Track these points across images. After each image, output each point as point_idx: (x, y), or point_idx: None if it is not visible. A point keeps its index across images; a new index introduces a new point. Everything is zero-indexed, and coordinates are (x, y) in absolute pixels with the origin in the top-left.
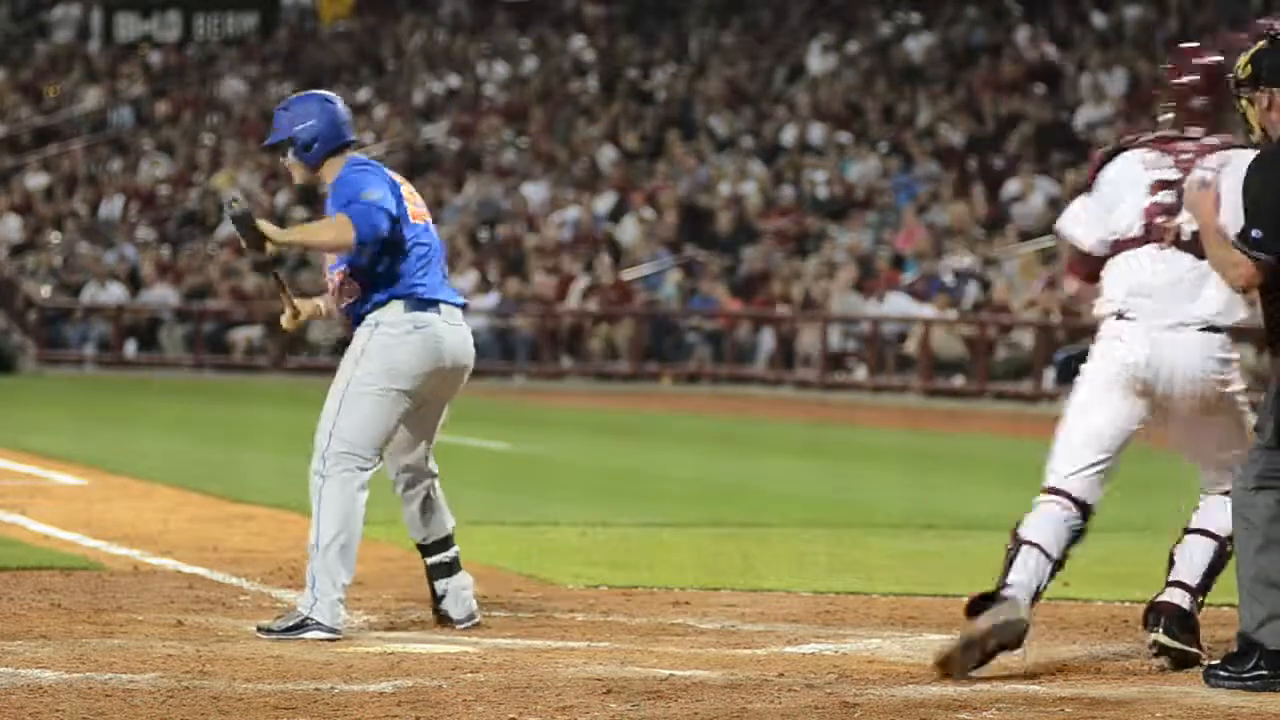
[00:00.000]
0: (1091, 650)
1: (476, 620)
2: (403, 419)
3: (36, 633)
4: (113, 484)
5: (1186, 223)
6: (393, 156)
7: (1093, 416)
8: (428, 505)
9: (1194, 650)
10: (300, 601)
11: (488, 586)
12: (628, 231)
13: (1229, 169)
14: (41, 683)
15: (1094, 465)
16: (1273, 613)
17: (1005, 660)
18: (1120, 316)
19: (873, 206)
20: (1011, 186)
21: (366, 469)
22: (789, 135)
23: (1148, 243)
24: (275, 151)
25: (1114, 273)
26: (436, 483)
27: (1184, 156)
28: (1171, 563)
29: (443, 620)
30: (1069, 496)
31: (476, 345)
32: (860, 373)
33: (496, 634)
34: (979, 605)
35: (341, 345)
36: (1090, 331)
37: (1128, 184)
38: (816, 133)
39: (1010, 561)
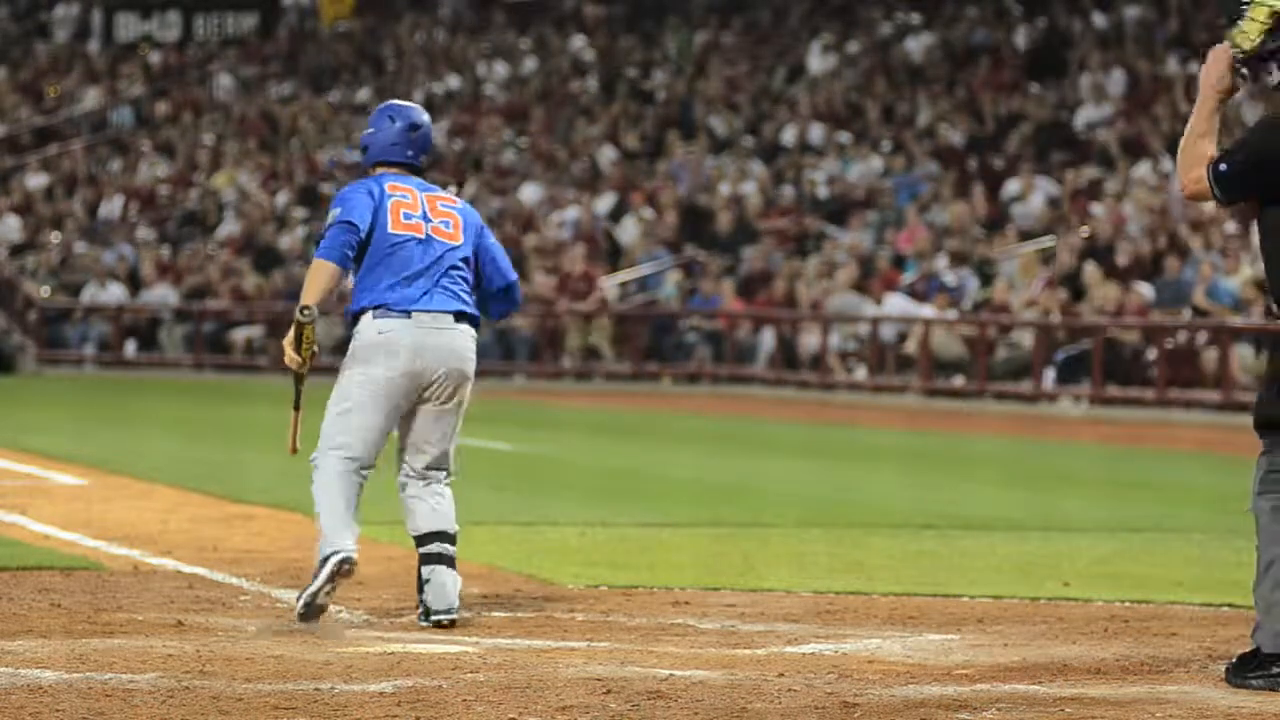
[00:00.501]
0: (1091, 650)
1: (453, 616)
2: (390, 419)
3: (36, 633)
4: (113, 484)
5: None
6: None
7: None
8: (429, 505)
9: None
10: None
11: (488, 586)
12: (628, 231)
13: None
14: (41, 683)
15: None
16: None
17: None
18: None
19: (873, 206)
20: (1011, 186)
21: (354, 461)
22: (789, 135)
23: None
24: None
25: None
26: (445, 488)
27: None
28: None
29: (423, 614)
30: None
31: (476, 345)
32: (860, 373)
33: (496, 634)
34: None
35: (341, 345)
36: (1089, 331)
37: None
38: (816, 133)
39: None
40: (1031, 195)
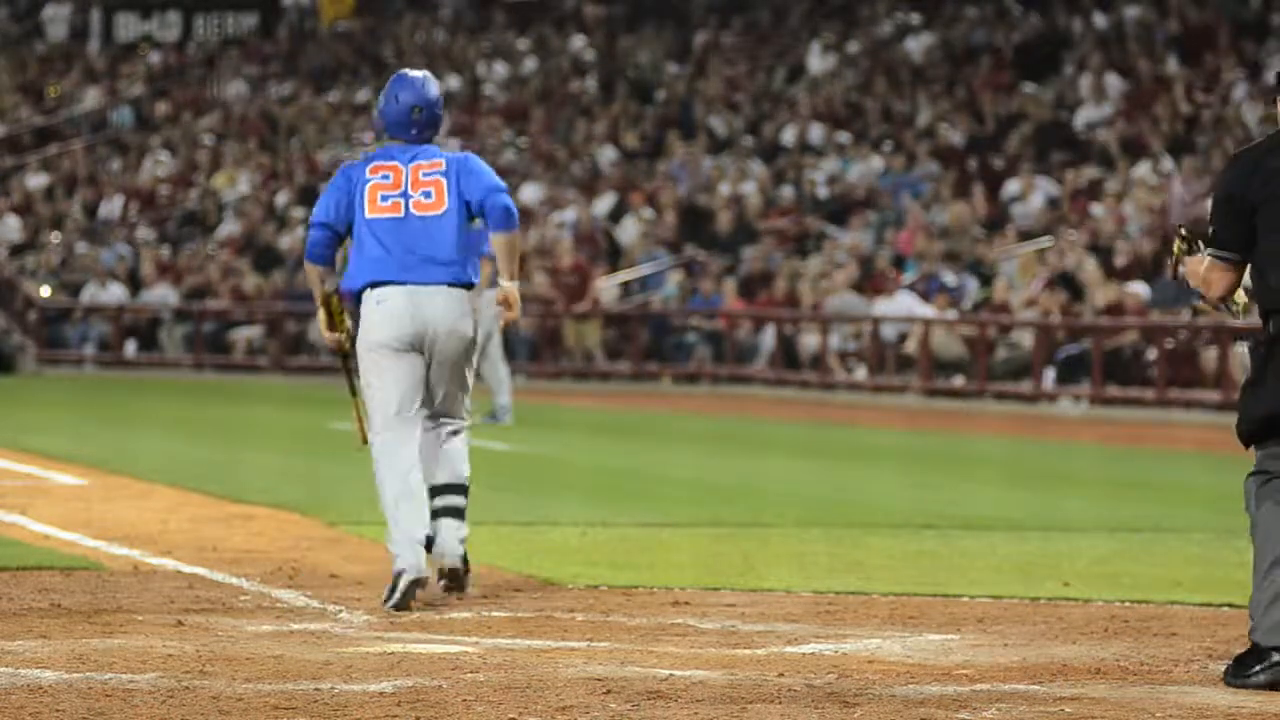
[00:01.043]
0: (1091, 650)
1: (455, 565)
2: (410, 368)
3: (36, 633)
4: (113, 484)
5: None
6: None
7: None
8: (438, 451)
9: None
10: None
11: (488, 586)
12: (628, 231)
13: None
14: (41, 683)
15: None
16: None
17: (1006, 659)
18: None
19: (873, 206)
20: (1011, 186)
21: (394, 433)
22: (789, 135)
23: None
24: None
25: None
26: (455, 437)
27: None
28: None
29: (431, 555)
30: None
31: (477, 345)
32: (860, 373)
33: (496, 634)
34: None
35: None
36: (1088, 331)
37: None
38: (816, 133)
39: None
40: (1031, 195)
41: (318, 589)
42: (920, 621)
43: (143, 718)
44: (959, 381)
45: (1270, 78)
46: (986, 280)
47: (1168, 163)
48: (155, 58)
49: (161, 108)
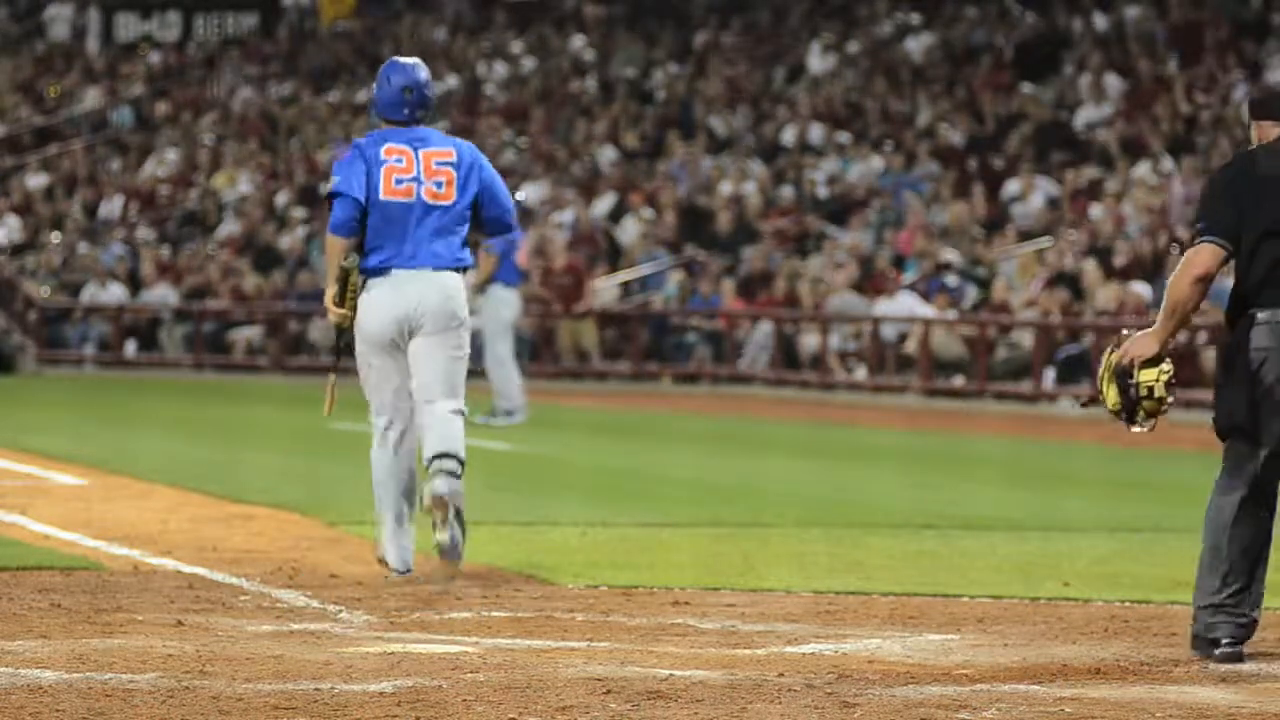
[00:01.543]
0: (1091, 650)
1: (451, 496)
2: (395, 363)
3: (36, 633)
4: (113, 484)
5: None
6: None
7: None
8: (437, 431)
9: None
10: None
11: (488, 586)
12: (628, 231)
13: None
14: (41, 683)
15: None
16: None
17: (1007, 660)
18: None
19: (873, 206)
20: (1011, 186)
21: (390, 424)
22: (789, 135)
23: None
24: None
25: None
26: (452, 415)
27: None
28: None
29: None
30: None
31: (477, 344)
32: (860, 373)
33: (496, 634)
34: None
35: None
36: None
37: None
38: (816, 133)
39: None
40: (1031, 195)
41: (318, 589)
42: (920, 621)
43: (143, 718)
44: (959, 381)
45: (1270, 78)
46: (984, 284)
47: (1168, 163)
48: (155, 58)
49: (161, 108)
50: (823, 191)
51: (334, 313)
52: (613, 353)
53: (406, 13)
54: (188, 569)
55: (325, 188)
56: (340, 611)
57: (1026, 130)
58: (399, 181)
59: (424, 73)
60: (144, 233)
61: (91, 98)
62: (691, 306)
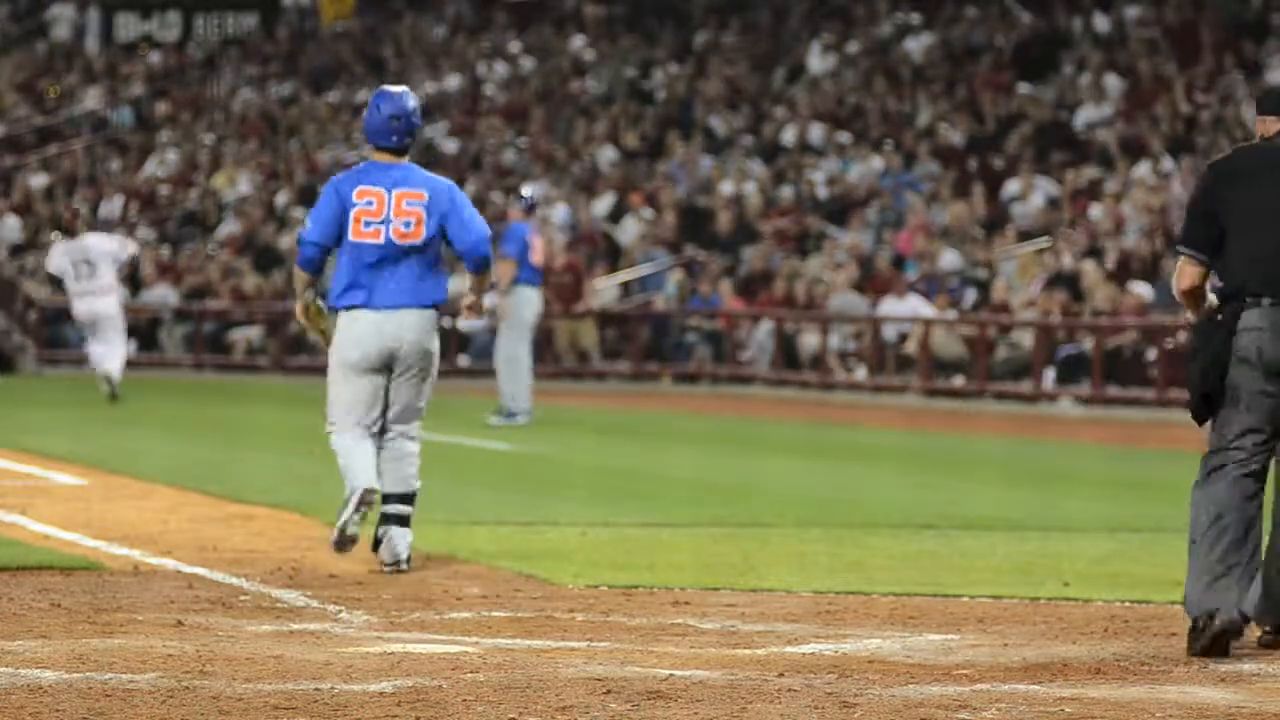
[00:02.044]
0: (1091, 650)
1: (400, 565)
2: (370, 385)
3: (36, 633)
4: (113, 484)
5: None
6: None
7: None
8: (393, 467)
9: None
10: None
11: (488, 586)
12: (628, 231)
13: None
14: (41, 683)
15: None
16: None
17: (1006, 658)
18: None
19: (873, 206)
20: (1011, 186)
21: (346, 431)
22: (789, 135)
23: None
24: None
25: None
26: (410, 443)
27: None
28: None
29: (378, 554)
30: None
31: (477, 345)
32: (860, 373)
33: (496, 634)
34: None
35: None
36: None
37: None
38: (816, 133)
39: None
40: (1031, 195)
41: (318, 589)
42: (920, 621)
43: (143, 718)
44: (959, 381)
45: (1271, 78)
46: (983, 286)
47: (1168, 163)
48: (155, 58)
49: (161, 108)
50: (823, 191)
51: (307, 324)
52: (613, 353)
53: (406, 13)
54: (188, 569)
55: (305, 224)
56: (340, 611)
57: (1026, 130)
58: (367, 224)
59: (412, 101)
60: (144, 233)
61: (91, 98)
62: (691, 306)
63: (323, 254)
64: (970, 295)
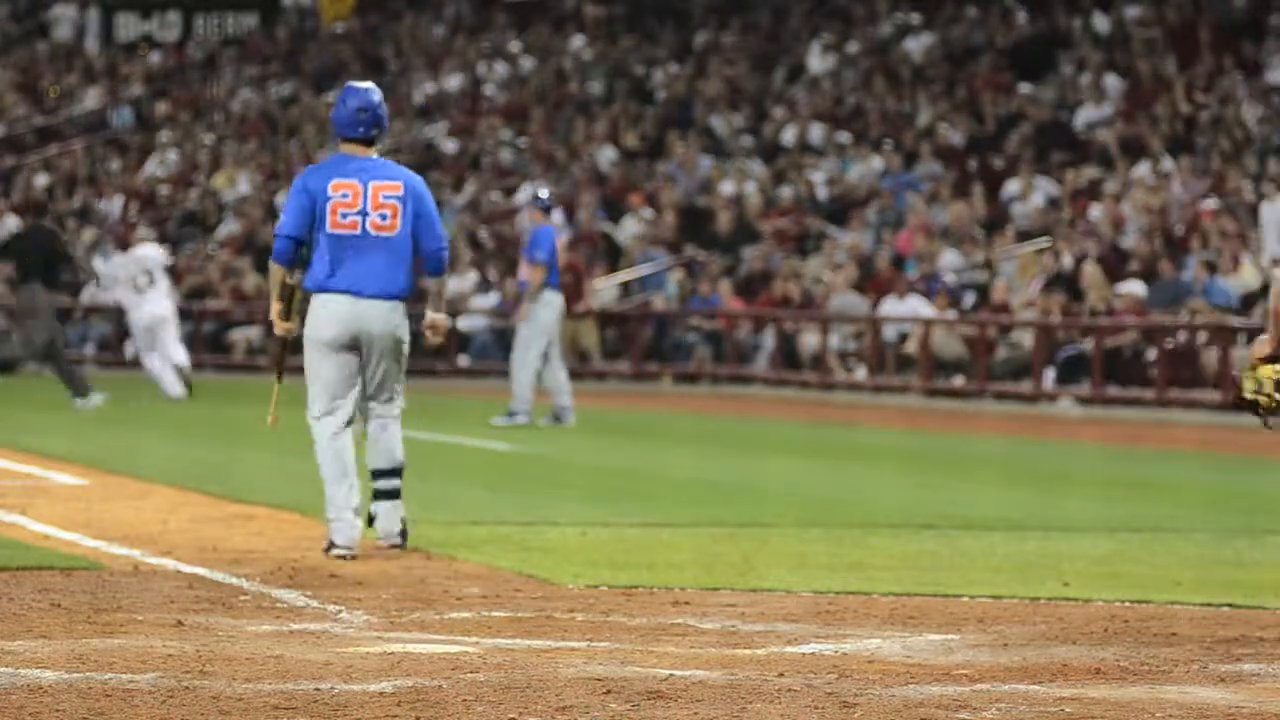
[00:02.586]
0: (1091, 650)
1: (395, 542)
2: (346, 367)
3: (36, 633)
4: (113, 484)
5: None
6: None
7: None
8: (379, 442)
9: None
10: None
11: (488, 586)
12: (627, 231)
13: None
14: (41, 683)
15: None
16: None
17: (1002, 660)
18: None
19: (872, 206)
20: (1011, 186)
21: (327, 419)
22: (789, 135)
23: None
24: None
25: None
26: (391, 421)
27: None
28: None
29: (375, 529)
30: None
31: (477, 344)
32: (860, 373)
33: (496, 634)
34: None
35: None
36: (1086, 331)
37: None
38: (816, 133)
39: None
40: (1031, 195)
41: (318, 589)
42: (920, 621)
43: (143, 718)
44: (959, 381)
45: (1270, 77)
46: (982, 289)
47: (1167, 163)
48: (155, 58)
49: (161, 108)
50: (823, 191)
51: (280, 326)
52: (613, 353)
53: (406, 13)
54: (188, 569)
55: (280, 219)
56: (340, 611)
57: (1026, 130)
58: (344, 215)
59: (377, 95)
60: (144, 233)
61: (91, 98)
62: (691, 306)
63: (296, 247)
64: (970, 295)
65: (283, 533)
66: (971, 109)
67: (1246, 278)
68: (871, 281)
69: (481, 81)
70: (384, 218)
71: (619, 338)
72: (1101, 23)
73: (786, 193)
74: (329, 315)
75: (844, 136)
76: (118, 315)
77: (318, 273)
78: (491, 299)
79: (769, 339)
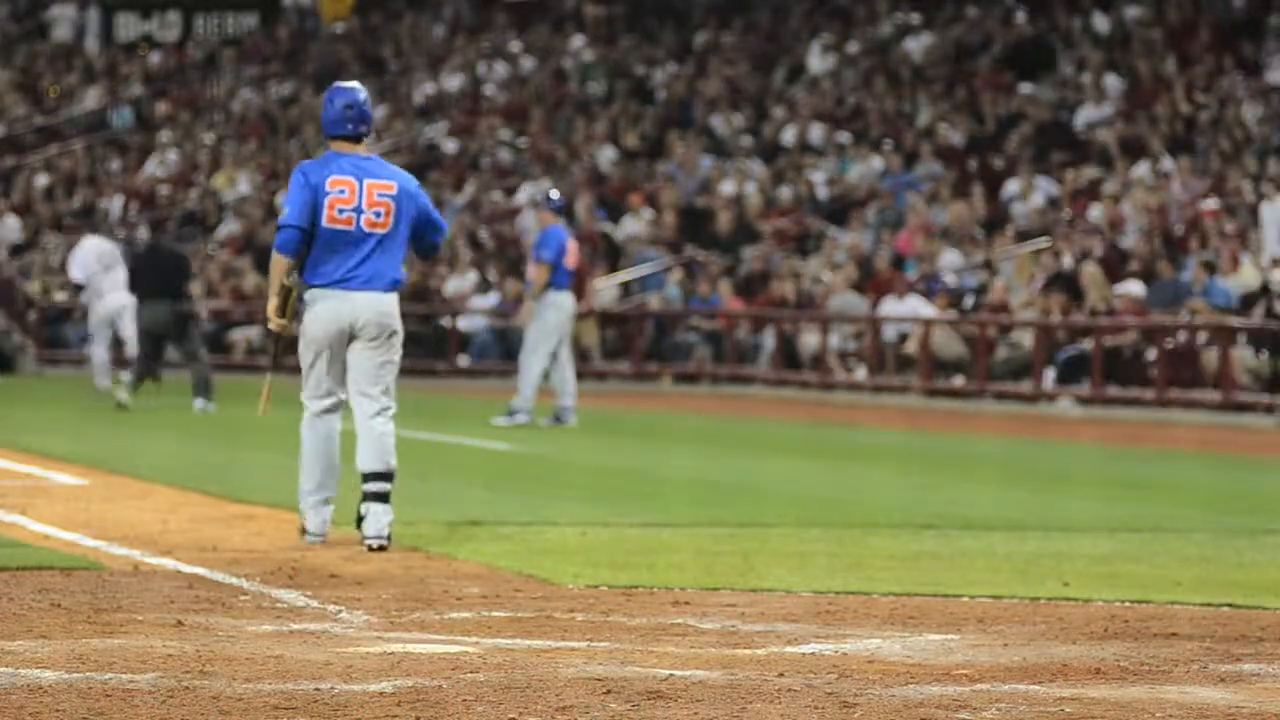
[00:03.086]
0: (1091, 650)
1: (383, 543)
2: (335, 361)
3: (36, 633)
4: (113, 484)
5: None
6: (392, 157)
7: None
8: (370, 443)
9: None
10: None
11: (488, 586)
12: (627, 231)
13: None
14: (41, 683)
15: None
16: None
17: (1006, 660)
18: None
19: (872, 206)
20: (1011, 186)
21: (319, 401)
22: (789, 135)
23: None
24: None
25: None
26: (385, 421)
27: None
28: None
29: (361, 531)
30: None
31: (477, 344)
32: (860, 373)
33: (496, 634)
34: None
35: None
36: (1086, 331)
37: None
38: (816, 133)
39: None
40: (1031, 195)
41: (318, 589)
42: (920, 621)
43: (143, 718)
44: (959, 381)
45: (1270, 78)
46: (982, 289)
47: (1167, 163)
48: (155, 58)
49: (161, 108)
50: (823, 191)
51: (275, 322)
52: (613, 353)
53: (406, 13)
54: (188, 569)
55: (282, 211)
56: (340, 611)
57: (1026, 130)
58: (341, 211)
59: (363, 93)
60: (144, 233)
61: (91, 98)
62: (691, 306)
63: (302, 237)
64: (970, 295)
65: (283, 533)
66: (971, 109)
67: (1246, 278)
68: (871, 281)
69: (481, 81)
70: (378, 215)
71: (619, 338)
72: (1101, 23)
73: (786, 193)
74: (324, 310)
75: (844, 136)
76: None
77: (311, 267)
78: (491, 299)
79: (769, 339)
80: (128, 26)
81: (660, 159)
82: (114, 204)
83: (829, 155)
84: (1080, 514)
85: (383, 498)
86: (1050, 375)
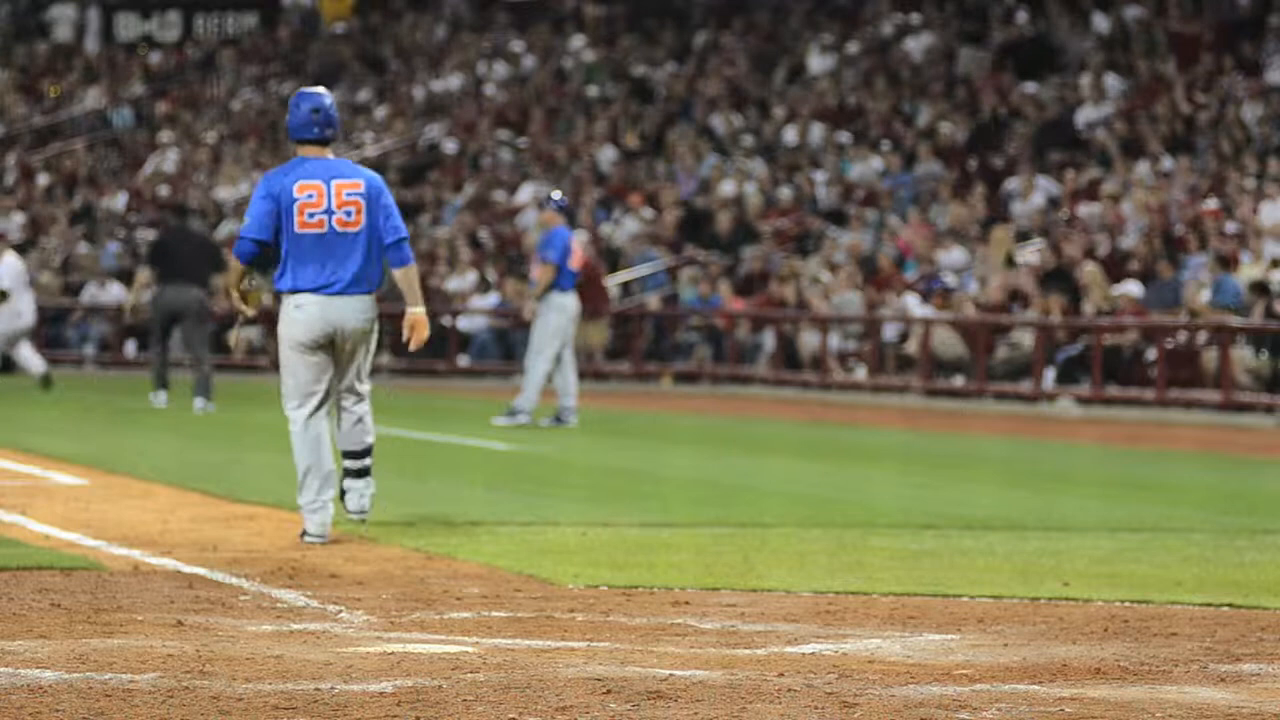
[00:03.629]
0: (1091, 650)
1: (364, 517)
2: (319, 364)
3: (36, 633)
4: (113, 484)
5: None
6: (393, 157)
7: None
8: (350, 423)
9: None
10: None
11: (488, 586)
12: (627, 231)
13: None
14: (41, 683)
15: None
16: None
17: (1003, 659)
18: None
19: (873, 206)
20: (1011, 185)
21: (302, 408)
22: (789, 135)
23: None
24: None
25: None
26: (359, 407)
27: None
28: None
29: (344, 504)
30: None
31: (477, 344)
32: (860, 373)
33: (496, 634)
34: None
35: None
36: (1085, 331)
37: None
38: (816, 133)
39: None
40: (1032, 194)
41: (318, 589)
42: (920, 621)
43: (143, 718)
44: (959, 381)
45: (1270, 78)
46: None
47: (1167, 162)
48: (155, 58)
49: (161, 108)
50: (822, 191)
51: (238, 306)
52: (613, 353)
53: (406, 13)
54: (188, 569)
55: (245, 220)
56: (340, 611)
57: (1026, 130)
58: (311, 215)
59: (328, 98)
60: (144, 233)
61: (91, 98)
62: (691, 306)
63: (259, 249)
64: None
65: (283, 533)
66: (971, 109)
67: (1246, 277)
68: (871, 281)
69: (481, 81)
70: (348, 215)
71: (619, 338)
72: (1101, 23)
73: (786, 193)
74: (303, 316)
75: (844, 136)
76: (117, 315)
77: (288, 273)
78: (491, 299)
79: (769, 339)
80: (128, 26)
81: (660, 159)
82: (114, 203)
83: (829, 155)
84: (1080, 514)
85: (363, 473)
86: (1050, 375)
